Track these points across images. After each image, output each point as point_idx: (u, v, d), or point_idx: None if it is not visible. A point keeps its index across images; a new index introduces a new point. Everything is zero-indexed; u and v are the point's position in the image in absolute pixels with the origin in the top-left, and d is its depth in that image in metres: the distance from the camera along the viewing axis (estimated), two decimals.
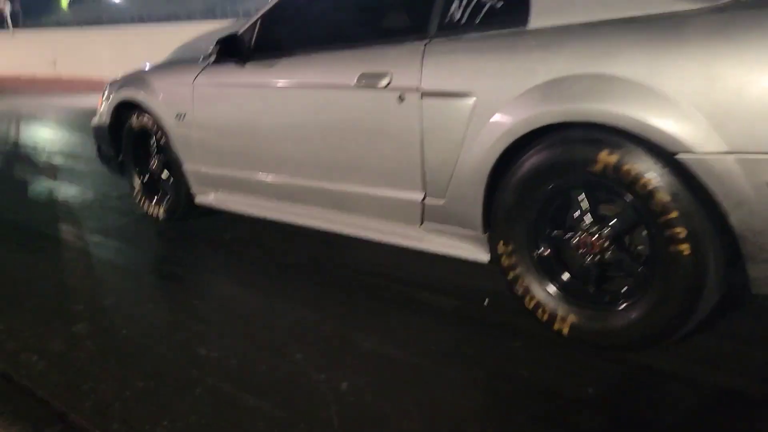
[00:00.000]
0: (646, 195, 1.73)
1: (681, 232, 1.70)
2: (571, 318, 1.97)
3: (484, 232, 2.17)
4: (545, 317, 2.03)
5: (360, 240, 2.59)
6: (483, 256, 2.21)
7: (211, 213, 3.37)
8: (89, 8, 25.64)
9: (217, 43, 2.81)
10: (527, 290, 2.05)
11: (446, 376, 1.89)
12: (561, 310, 1.99)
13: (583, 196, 1.93)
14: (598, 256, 1.92)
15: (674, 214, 1.70)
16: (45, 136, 7.42)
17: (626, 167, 1.75)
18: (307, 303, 2.44)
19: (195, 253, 3.24)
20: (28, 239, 3.53)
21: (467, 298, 2.39)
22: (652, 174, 1.71)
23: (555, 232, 2.00)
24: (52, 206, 4.18)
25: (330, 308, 2.38)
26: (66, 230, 3.62)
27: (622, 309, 1.88)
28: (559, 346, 1.99)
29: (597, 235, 1.91)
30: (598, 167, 1.80)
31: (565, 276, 2.01)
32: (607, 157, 1.78)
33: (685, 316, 1.76)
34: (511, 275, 2.09)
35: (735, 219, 1.64)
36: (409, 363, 1.96)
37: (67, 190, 4.57)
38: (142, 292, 2.74)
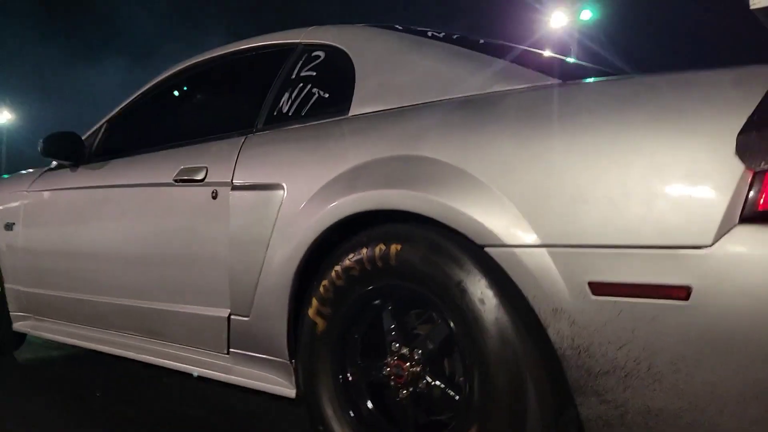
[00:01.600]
0: (456, 302, 1.37)
1: (492, 350, 1.31)
2: None
3: (291, 359, 1.74)
4: None
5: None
6: (289, 389, 1.76)
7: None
8: None
9: (43, 141, 2.51)
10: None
11: None
12: None
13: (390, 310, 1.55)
14: (410, 388, 1.50)
15: (484, 326, 1.32)
16: None
17: (431, 266, 1.40)
18: None
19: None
20: None
21: None
22: (464, 276, 1.36)
23: (362, 359, 1.58)
24: None
25: None
26: None
27: None
28: None
29: (409, 361, 1.50)
30: (392, 265, 1.45)
31: (368, 408, 1.56)
32: (410, 254, 1.43)
33: None
34: (313, 414, 1.63)
35: (553, 333, 1.26)
36: None
37: None
38: None
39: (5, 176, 3.39)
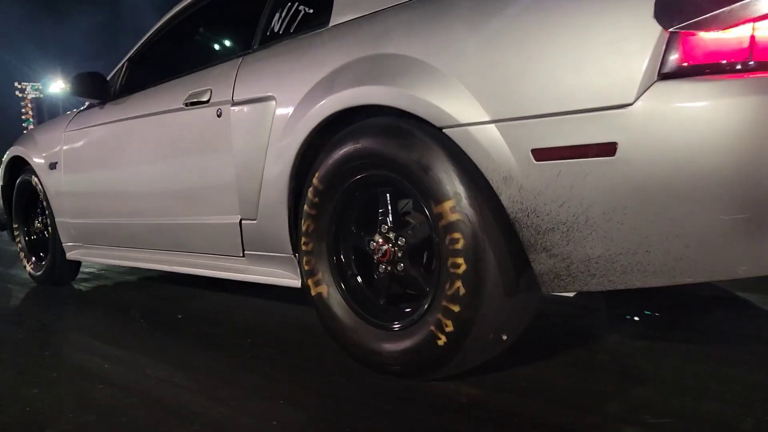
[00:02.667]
0: (422, 183, 1.52)
1: (454, 221, 1.47)
2: (368, 341, 1.69)
3: (294, 252, 1.94)
4: (344, 341, 1.75)
5: None
6: (295, 280, 1.97)
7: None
8: None
9: (71, 81, 2.74)
10: (327, 309, 1.79)
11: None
12: (359, 331, 1.72)
13: (387, 197, 1.72)
14: (389, 267, 1.68)
15: (446, 201, 1.48)
16: None
17: (402, 154, 1.56)
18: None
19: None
20: None
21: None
22: (429, 158, 1.51)
23: (353, 235, 1.77)
24: None
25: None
26: None
27: (404, 329, 1.62)
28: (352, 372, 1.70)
29: (390, 241, 1.68)
30: (380, 158, 1.61)
31: (358, 284, 1.76)
32: (385, 145, 1.59)
33: (466, 328, 1.48)
34: (313, 293, 1.83)
35: (505, 198, 1.41)
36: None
37: None
38: None
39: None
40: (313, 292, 1.82)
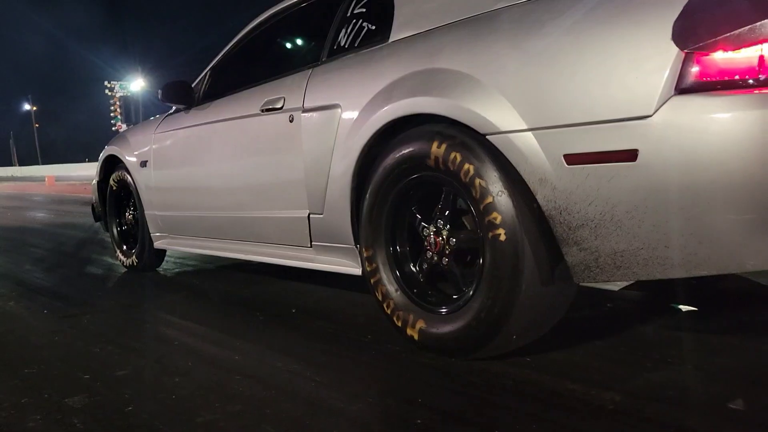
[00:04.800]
0: (469, 184, 1.73)
1: (496, 217, 1.66)
2: (420, 323, 1.91)
3: (356, 243, 2.18)
4: (399, 323, 1.97)
5: None
6: (357, 269, 2.20)
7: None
8: None
9: (161, 89, 3.08)
10: (385, 295, 2.02)
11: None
12: (411, 314, 1.94)
13: (443, 194, 1.92)
14: (438, 256, 1.89)
15: (489, 200, 1.67)
16: None
17: (451, 157, 1.76)
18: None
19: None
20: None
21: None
22: (474, 161, 1.71)
23: (408, 232, 1.99)
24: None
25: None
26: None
27: (451, 313, 1.82)
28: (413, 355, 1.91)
29: (441, 235, 1.89)
30: (431, 161, 1.82)
31: (412, 272, 1.97)
32: (436, 150, 1.80)
33: (507, 312, 1.67)
34: (372, 280, 2.06)
35: (541, 198, 1.60)
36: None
37: None
38: None
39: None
40: (372, 280, 2.05)
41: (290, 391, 1.69)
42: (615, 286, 2.07)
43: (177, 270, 3.81)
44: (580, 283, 1.64)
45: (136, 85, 35.60)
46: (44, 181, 26.22)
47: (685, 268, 1.45)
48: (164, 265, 3.85)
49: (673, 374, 1.70)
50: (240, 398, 1.64)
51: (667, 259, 1.46)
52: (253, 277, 3.40)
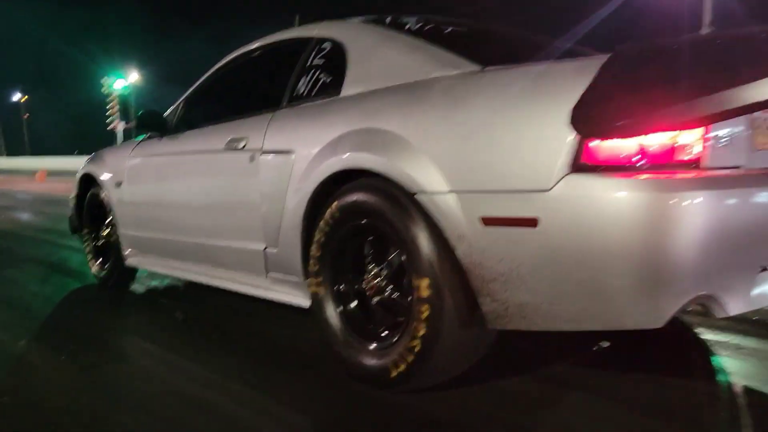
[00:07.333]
0: (400, 235, 1.92)
1: (422, 267, 1.86)
2: (353, 356, 2.10)
3: (305, 277, 2.36)
4: (338, 354, 2.16)
5: None
6: (306, 301, 2.39)
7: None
8: None
9: (137, 117, 3.26)
10: (326, 326, 2.20)
11: None
12: (347, 347, 2.13)
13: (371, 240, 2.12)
14: (376, 297, 2.09)
15: (417, 250, 1.87)
16: None
17: (386, 210, 1.95)
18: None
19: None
20: None
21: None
22: (404, 216, 1.90)
23: (350, 273, 2.18)
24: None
25: None
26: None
27: (381, 350, 2.02)
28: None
29: (378, 277, 2.08)
30: (369, 211, 2.01)
31: (350, 309, 2.16)
32: (374, 202, 1.99)
33: (428, 351, 1.86)
34: (316, 312, 2.25)
35: (459, 252, 1.79)
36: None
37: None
38: None
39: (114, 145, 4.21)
40: (317, 311, 2.24)
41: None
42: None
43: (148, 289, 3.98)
44: (491, 327, 1.84)
45: (132, 78, 36.32)
46: (34, 175, 22.73)
47: (576, 323, 1.65)
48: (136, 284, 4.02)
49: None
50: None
51: (564, 313, 1.66)
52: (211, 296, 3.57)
